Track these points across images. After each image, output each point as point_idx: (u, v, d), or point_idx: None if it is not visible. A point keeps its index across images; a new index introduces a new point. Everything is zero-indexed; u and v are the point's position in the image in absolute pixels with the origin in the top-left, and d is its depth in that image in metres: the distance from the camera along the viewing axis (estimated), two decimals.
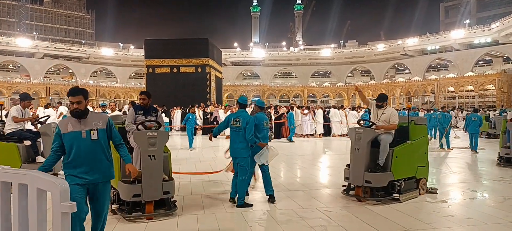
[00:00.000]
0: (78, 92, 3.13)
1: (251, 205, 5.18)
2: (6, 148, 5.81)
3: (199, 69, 30.00)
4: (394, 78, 59.94)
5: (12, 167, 5.29)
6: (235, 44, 77.68)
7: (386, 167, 5.51)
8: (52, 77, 60.08)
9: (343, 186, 5.89)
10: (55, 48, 59.82)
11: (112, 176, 3.28)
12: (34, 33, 66.83)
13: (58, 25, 78.04)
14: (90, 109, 3.34)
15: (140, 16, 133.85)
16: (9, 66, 57.94)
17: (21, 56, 56.31)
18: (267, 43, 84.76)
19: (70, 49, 61.33)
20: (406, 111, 6.49)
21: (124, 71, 64.11)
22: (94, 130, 3.12)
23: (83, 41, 73.85)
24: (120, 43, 70.22)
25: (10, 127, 6.21)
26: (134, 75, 65.47)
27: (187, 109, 17.96)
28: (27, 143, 6.02)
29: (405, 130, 5.96)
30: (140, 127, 4.83)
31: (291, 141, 15.48)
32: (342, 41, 73.04)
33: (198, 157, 10.60)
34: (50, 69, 59.81)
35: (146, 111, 5.14)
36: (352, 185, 5.71)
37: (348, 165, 5.78)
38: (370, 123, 5.92)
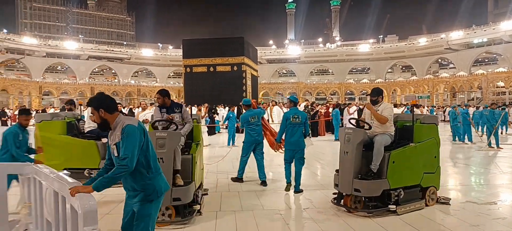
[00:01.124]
0: (89, 103, 2.76)
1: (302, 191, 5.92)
2: (86, 145, 6.00)
3: (235, 68, 30.23)
4: (437, 74, 57.22)
5: (92, 162, 5.88)
6: (270, 42, 77.63)
7: (381, 173, 4.72)
8: (96, 78, 63.05)
9: (334, 193, 5.16)
10: (98, 49, 62.70)
11: (158, 192, 2.77)
12: (80, 36, 70.47)
13: (101, 28, 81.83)
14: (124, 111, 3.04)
15: (178, 17, 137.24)
16: (58, 68, 61.44)
17: (68, 58, 59.53)
18: (303, 40, 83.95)
19: (112, 50, 64.05)
20: (411, 108, 5.59)
21: (163, 71, 65.96)
22: (113, 145, 2.67)
23: (125, 43, 76.92)
24: (159, 44, 72.43)
25: (88, 125, 6.58)
26: (173, 75, 67.20)
27: (228, 108, 18.11)
28: (104, 140, 6.22)
29: (409, 130, 5.13)
30: (157, 125, 4.83)
31: (337, 139, 14.96)
32: (381, 36, 70.80)
33: (236, 155, 10.62)
34: (94, 70, 62.78)
35: (169, 109, 5.06)
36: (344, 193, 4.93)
37: (337, 171, 5.07)
38: (362, 123, 5.24)
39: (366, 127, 5.07)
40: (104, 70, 65.62)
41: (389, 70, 64.61)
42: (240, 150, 6.94)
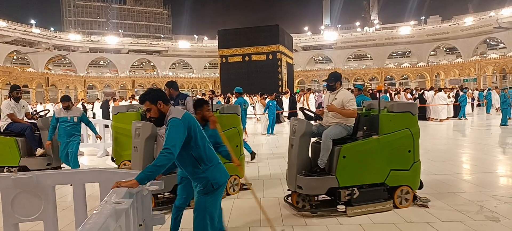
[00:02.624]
0: (143, 100, 2.72)
1: None
2: (5, 142, 6.24)
3: (270, 56, 29.98)
4: (485, 55, 53.67)
5: (12, 160, 6.00)
6: (306, 28, 76.23)
7: (331, 169, 4.22)
8: (136, 71, 65.22)
9: (288, 189, 4.64)
10: (137, 43, 64.68)
11: (215, 184, 2.76)
12: (120, 30, 72.92)
13: (139, 22, 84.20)
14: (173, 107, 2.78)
15: (213, 8, 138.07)
16: (100, 63, 64.17)
17: (110, 53, 61.95)
18: (339, 25, 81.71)
19: (150, 44, 65.84)
20: (377, 95, 4.66)
21: (200, 62, 66.96)
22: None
23: (162, 36, 78.76)
24: (195, 35, 73.47)
25: (5, 122, 6.75)
26: (208, 66, 68.06)
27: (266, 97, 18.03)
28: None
29: (374, 121, 4.39)
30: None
31: None
32: (423, 18, 67.40)
33: (274, 143, 10.59)
34: (134, 63, 64.93)
35: (175, 100, 5.20)
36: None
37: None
38: (313, 113, 4.75)
39: (314, 117, 4.67)
40: (144, 63, 67.69)
41: (432, 53, 61.51)
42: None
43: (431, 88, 18.70)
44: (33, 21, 55.41)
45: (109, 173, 2.74)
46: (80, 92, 52.07)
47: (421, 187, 4.56)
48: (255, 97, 22.30)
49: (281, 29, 31.34)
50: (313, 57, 67.40)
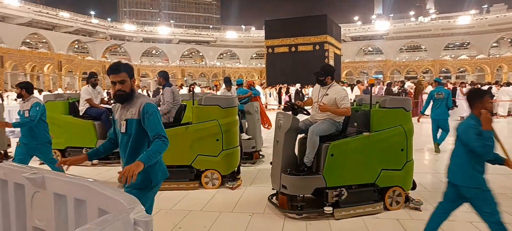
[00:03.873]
0: (119, 69, 2.50)
1: None
2: (85, 125, 6.77)
3: (317, 47, 29.54)
4: None
5: (90, 141, 6.52)
6: (356, 17, 73.88)
7: (318, 168, 3.99)
8: (186, 60, 67.23)
9: (273, 188, 4.46)
10: (187, 34, 66.52)
11: (154, 181, 2.54)
12: (171, 21, 75.39)
13: (189, 12, 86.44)
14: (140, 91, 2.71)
15: None
16: (152, 52, 66.91)
17: (161, 43, 64.36)
18: (392, 15, 78.19)
19: (200, 34, 67.44)
20: (370, 89, 4.63)
21: (246, 52, 67.50)
22: (123, 121, 2.52)
23: (211, 26, 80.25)
24: (242, 26, 74.05)
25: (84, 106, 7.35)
26: (255, 56, 68.40)
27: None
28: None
29: (365, 117, 4.15)
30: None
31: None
32: (486, 6, 62.45)
33: None
34: (184, 53, 66.95)
35: (163, 87, 5.67)
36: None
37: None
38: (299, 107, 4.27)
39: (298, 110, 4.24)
40: (193, 53, 69.57)
41: (494, 44, 56.92)
42: None
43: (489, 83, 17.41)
44: (92, 12, 58.96)
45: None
46: (134, 81, 54.81)
47: (414, 188, 4.33)
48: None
49: (329, 19, 30.69)
50: (363, 48, 65.23)
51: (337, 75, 32.58)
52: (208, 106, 5.03)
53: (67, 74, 48.59)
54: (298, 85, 21.44)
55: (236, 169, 5.34)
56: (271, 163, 4.45)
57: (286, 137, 3.99)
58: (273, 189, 4.38)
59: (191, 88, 13.09)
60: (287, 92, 21.86)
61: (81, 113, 6.78)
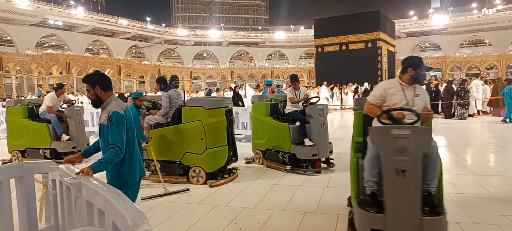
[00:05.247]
0: (84, 81, 2.80)
1: None
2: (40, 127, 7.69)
3: (369, 45, 28.52)
4: None
5: (45, 143, 7.37)
6: (411, 12, 70.29)
7: None
8: (235, 62, 68.35)
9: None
10: (237, 36, 67.60)
11: (128, 183, 2.78)
12: (221, 24, 77.07)
13: (239, 15, 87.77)
14: (118, 96, 3.03)
15: None
16: (204, 55, 68.89)
17: (212, 46, 66.05)
18: (451, 8, 73.28)
19: (249, 36, 68.23)
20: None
21: (295, 52, 67.07)
22: (99, 124, 2.82)
23: (260, 27, 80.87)
24: (291, 26, 73.69)
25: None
26: (304, 56, 67.74)
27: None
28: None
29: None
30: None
31: (505, 121, 12.65)
32: None
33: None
34: (233, 55, 68.12)
35: (163, 91, 6.17)
36: None
37: None
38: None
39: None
40: (242, 55, 70.55)
41: None
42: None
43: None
44: (148, 18, 62.03)
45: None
46: (187, 83, 56.81)
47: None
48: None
49: (382, 15, 29.49)
50: (419, 44, 61.92)
51: (391, 73, 31.19)
52: (193, 108, 5.43)
53: (125, 78, 51.57)
54: (366, 84, 20.27)
55: (224, 166, 5.65)
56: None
57: (418, 165, 2.65)
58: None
59: (236, 90, 13.27)
60: (356, 91, 20.20)
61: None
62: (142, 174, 2.92)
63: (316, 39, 31.42)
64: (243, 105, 11.84)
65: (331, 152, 6.22)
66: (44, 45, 51.12)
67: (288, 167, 6.08)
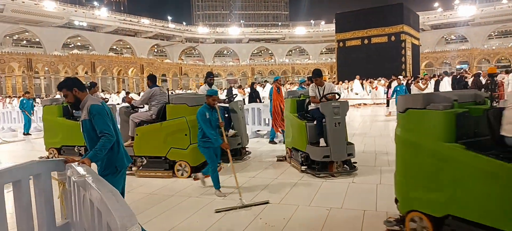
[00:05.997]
0: (60, 87, 3.03)
1: None
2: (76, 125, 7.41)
3: (393, 38, 27.90)
4: None
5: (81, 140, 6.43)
6: (436, 4, 68.18)
7: None
8: (256, 59, 68.34)
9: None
10: (257, 32, 67.56)
11: (116, 168, 3.00)
12: (241, 21, 77.19)
13: (258, 11, 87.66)
14: (97, 95, 3.21)
15: None
16: (224, 52, 69.25)
17: (232, 43, 66.28)
18: None
19: (268, 32, 68.05)
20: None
21: (316, 48, 66.42)
22: (80, 121, 3.02)
23: (279, 23, 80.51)
24: (311, 21, 72.97)
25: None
26: (325, 51, 67.01)
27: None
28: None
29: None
30: None
31: None
32: None
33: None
34: (253, 52, 68.13)
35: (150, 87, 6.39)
36: None
37: None
38: None
39: None
40: (262, 51, 70.47)
41: None
42: None
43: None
44: (169, 17, 62.84)
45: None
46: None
47: None
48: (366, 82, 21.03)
49: (405, 7, 28.76)
50: (444, 36, 60.09)
51: (415, 67, 30.43)
52: (177, 105, 5.69)
53: None
54: (400, 77, 19.03)
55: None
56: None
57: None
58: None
59: (254, 87, 13.28)
60: (389, 86, 18.99)
61: None
62: (129, 160, 3.15)
63: (337, 34, 31.00)
64: (260, 102, 11.84)
65: (350, 154, 5.54)
66: (70, 46, 52.64)
67: (303, 168, 5.82)
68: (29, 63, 39.72)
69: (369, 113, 15.52)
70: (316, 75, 5.90)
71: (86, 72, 45.03)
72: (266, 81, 25.37)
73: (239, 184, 4.76)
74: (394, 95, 12.51)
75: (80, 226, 2.56)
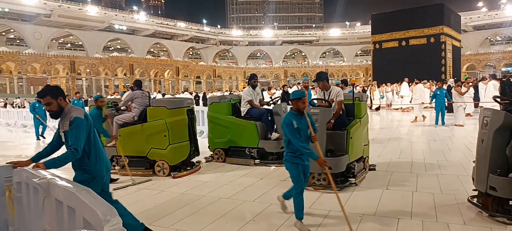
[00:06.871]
0: (44, 94, 2.90)
1: None
2: (248, 125, 6.71)
3: (432, 40, 26.85)
4: None
5: (252, 142, 6.43)
6: (480, 4, 64.91)
7: None
8: (288, 61, 68.12)
9: (474, 189, 4.04)
10: (290, 34, 67.37)
11: (94, 176, 3.00)
12: (275, 23, 77.25)
13: (292, 13, 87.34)
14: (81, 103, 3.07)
15: None
16: (257, 55, 69.58)
17: (265, 45, 66.47)
18: None
19: (302, 34, 67.67)
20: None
21: (351, 50, 65.23)
22: (62, 132, 2.94)
23: (313, 25, 79.76)
24: (346, 22, 71.77)
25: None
26: (360, 53, 65.67)
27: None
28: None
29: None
30: None
31: None
32: None
33: (433, 136, 9.44)
34: (287, 54, 67.96)
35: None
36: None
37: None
38: None
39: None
40: (295, 54, 70.14)
41: None
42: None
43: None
44: (204, 20, 64.07)
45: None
46: (240, 82, 57.78)
47: None
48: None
49: (446, 7, 27.59)
50: (489, 37, 57.04)
51: (456, 69, 29.10)
52: (157, 108, 5.96)
53: (183, 79, 53.68)
54: (451, 80, 17.69)
55: (186, 160, 6.10)
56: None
57: (495, 136, 3.66)
58: (474, 190, 4.12)
59: (285, 89, 13.18)
60: (449, 88, 17.73)
61: (243, 114, 6.84)
62: (108, 169, 3.18)
63: (373, 35, 30.23)
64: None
65: (352, 168, 5.02)
66: (110, 49, 54.98)
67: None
68: (72, 65, 41.89)
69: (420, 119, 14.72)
70: (319, 79, 5.38)
71: (124, 74, 46.81)
72: (285, 84, 24.49)
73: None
74: (433, 99, 12.01)
75: (38, 229, 2.48)
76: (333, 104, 5.04)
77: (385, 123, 14.12)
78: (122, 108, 6.90)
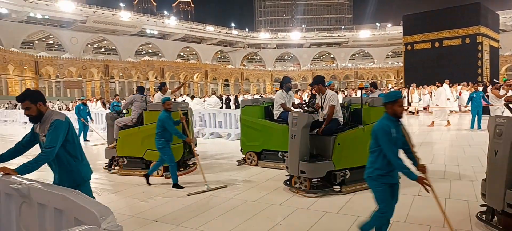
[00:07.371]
0: (23, 99, 2.80)
1: None
2: (281, 129, 6.45)
3: (467, 40, 25.78)
4: None
5: (286, 145, 6.08)
6: None
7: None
8: (317, 64, 67.51)
9: (481, 205, 3.80)
10: (318, 36, 66.77)
11: (83, 178, 2.96)
12: (303, 26, 76.83)
13: (321, 15, 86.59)
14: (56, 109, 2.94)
15: None
16: (285, 57, 69.43)
17: (293, 48, 66.23)
18: None
19: (331, 36, 66.87)
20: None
21: (381, 51, 63.80)
22: (43, 136, 2.82)
23: (342, 27, 78.66)
24: (377, 23, 70.26)
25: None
26: (391, 55, 64.10)
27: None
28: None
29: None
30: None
31: None
32: None
33: (473, 140, 9.06)
34: (315, 56, 67.40)
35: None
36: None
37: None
38: None
39: None
40: (323, 56, 69.41)
41: None
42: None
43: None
44: (233, 24, 64.69)
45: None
46: (268, 85, 57.85)
47: None
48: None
49: (483, 6, 26.43)
50: None
51: (494, 71, 27.80)
52: (153, 111, 6.23)
53: (211, 82, 54.43)
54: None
55: (180, 161, 6.24)
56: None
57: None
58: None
59: (313, 92, 12.98)
60: (484, 90, 16.91)
61: (275, 117, 6.75)
62: (91, 171, 3.11)
63: (405, 37, 29.42)
64: None
65: (303, 172, 4.79)
66: (142, 53, 56.61)
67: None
68: (106, 69, 43.51)
69: (455, 122, 14.17)
70: (315, 83, 5.24)
71: (155, 77, 48.06)
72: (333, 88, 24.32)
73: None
74: (470, 102, 11.53)
75: None
76: (326, 109, 5.02)
77: (419, 127, 13.69)
78: (124, 111, 7.36)
